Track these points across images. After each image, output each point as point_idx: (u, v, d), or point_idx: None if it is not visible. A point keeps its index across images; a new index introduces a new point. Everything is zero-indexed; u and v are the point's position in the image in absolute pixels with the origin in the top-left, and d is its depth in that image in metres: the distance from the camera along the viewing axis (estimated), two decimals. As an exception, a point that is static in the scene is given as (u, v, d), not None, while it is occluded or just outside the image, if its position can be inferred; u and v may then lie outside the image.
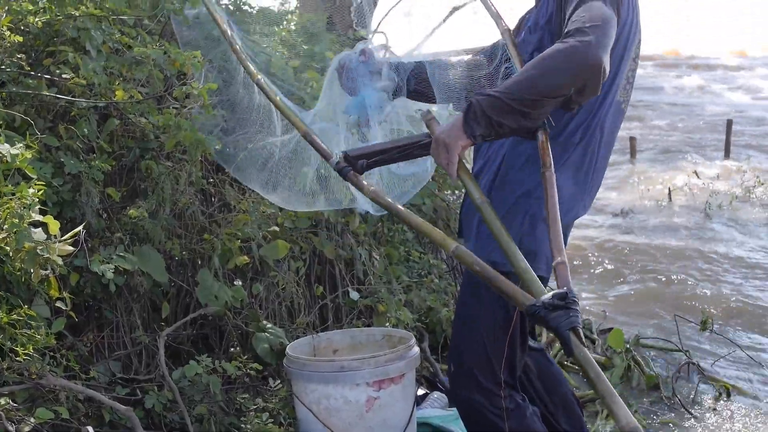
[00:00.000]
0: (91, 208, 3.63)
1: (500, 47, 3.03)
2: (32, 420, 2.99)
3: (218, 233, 3.95)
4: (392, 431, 3.53)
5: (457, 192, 5.57)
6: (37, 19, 3.64)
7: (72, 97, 3.69)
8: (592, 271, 7.56)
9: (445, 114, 3.19)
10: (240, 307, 4.02)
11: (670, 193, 10.23)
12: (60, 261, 3.05)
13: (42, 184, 3.12)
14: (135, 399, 3.53)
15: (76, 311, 3.72)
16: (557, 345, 4.86)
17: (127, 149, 3.95)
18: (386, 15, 3.28)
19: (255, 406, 3.65)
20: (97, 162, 3.67)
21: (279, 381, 3.79)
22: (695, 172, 11.30)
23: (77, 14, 3.72)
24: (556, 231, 2.51)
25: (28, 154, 3.11)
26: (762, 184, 10.28)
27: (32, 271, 3.00)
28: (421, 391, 4.32)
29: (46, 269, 3.07)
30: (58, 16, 3.68)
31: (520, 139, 2.87)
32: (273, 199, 3.47)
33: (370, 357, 3.48)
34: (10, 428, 2.94)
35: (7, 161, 3.05)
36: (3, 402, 2.98)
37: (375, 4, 3.39)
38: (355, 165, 2.78)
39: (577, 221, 3.13)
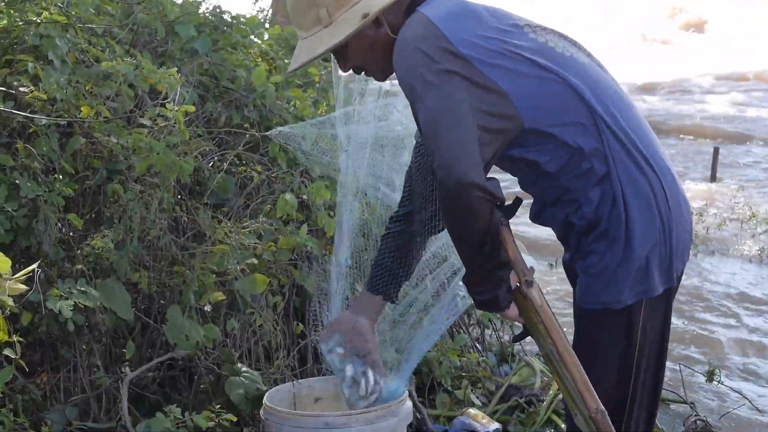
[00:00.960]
0: (49, 237, 3.26)
1: None
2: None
3: (191, 265, 3.57)
4: (381, 494, 3.17)
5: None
6: (-7, 24, 3.27)
7: (31, 112, 3.32)
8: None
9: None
10: (212, 347, 3.65)
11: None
12: (11, 301, 2.68)
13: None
14: (93, 454, 3.15)
15: (30, 349, 3.35)
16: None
17: (93, 171, 3.58)
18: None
19: (229, 461, 3.28)
20: (57, 185, 3.29)
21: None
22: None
23: (39, 20, 3.35)
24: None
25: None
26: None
27: (-23, 313, 2.62)
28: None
29: (-6, 309, 2.70)
30: (18, 21, 3.30)
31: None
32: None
33: (359, 413, 3.12)
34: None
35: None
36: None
37: None
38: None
39: None
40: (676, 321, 6.15)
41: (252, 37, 4.94)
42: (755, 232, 9.29)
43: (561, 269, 2.98)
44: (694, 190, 10.88)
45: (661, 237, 2.56)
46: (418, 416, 4.06)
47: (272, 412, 3.19)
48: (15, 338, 2.78)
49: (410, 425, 3.98)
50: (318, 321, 3.42)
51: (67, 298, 3.12)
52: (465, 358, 4.65)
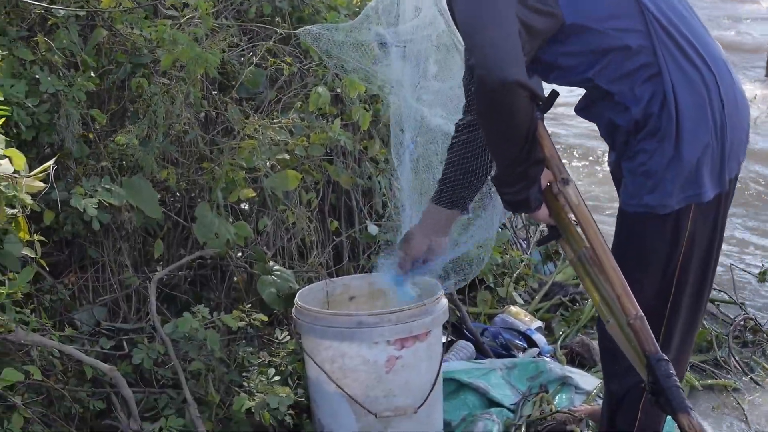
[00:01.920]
0: (72, 133, 3.15)
1: None
2: (-3, 383, 2.56)
3: (220, 161, 3.45)
4: (415, 394, 3.10)
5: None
6: None
7: (50, 3, 3.18)
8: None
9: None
10: (244, 245, 3.55)
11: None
12: (29, 199, 2.59)
13: (5, 109, 2.63)
14: (121, 354, 3.09)
15: (57, 248, 3.28)
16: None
17: (117, 65, 3.45)
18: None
19: (260, 360, 3.20)
20: (79, 80, 3.17)
21: (287, 332, 3.32)
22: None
23: None
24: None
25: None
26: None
27: (-4, 211, 2.54)
28: (444, 339, 3.88)
29: (14, 208, 2.61)
30: None
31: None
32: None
33: (391, 312, 3.02)
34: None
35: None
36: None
37: None
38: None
39: None
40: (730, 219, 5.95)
41: None
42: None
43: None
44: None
45: (713, 137, 2.41)
46: (458, 314, 3.96)
47: (303, 312, 3.11)
48: (36, 237, 2.69)
49: (449, 323, 3.90)
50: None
51: (91, 196, 3.03)
52: (508, 255, 4.52)
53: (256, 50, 3.77)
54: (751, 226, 6.28)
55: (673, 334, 2.58)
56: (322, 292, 3.38)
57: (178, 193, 3.59)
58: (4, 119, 2.66)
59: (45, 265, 2.98)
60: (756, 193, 6.98)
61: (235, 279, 3.58)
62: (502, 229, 4.86)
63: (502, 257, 4.48)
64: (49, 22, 3.24)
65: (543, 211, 2.48)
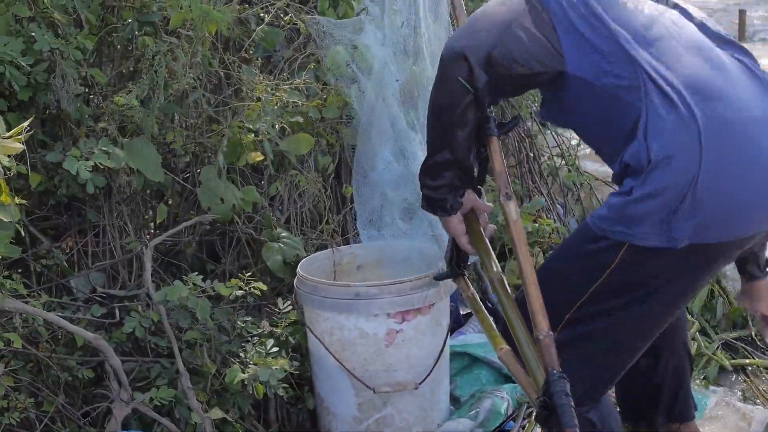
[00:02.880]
0: (68, 93, 3.04)
1: None
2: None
3: (227, 123, 3.33)
4: (417, 370, 2.96)
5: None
6: None
7: (48, -45, 3.08)
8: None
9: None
10: (252, 211, 3.43)
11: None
12: (5, 160, 2.49)
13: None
14: (116, 321, 3.00)
15: (54, 211, 3.20)
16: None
17: (124, 24, 3.34)
18: None
19: (260, 331, 3.09)
20: (78, 38, 3.07)
21: (289, 302, 3.20)
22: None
23: None
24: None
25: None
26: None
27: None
28: (465, 311, 3.74)
29: (-7, 170, 2.52)
30: None
31: None
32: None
33: (391, 283, 2.89)
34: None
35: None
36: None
37: None
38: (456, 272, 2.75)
39: None
40: None
41: None
42: None
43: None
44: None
45: (674, 186, 2.18)
46: (481, 285, 3.79)
47: (304, 281, 2.99)
48: (16, 200, 2.60)
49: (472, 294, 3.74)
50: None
51: (87, 159, 2.94)
52: (537, 224, 4.33)
53: (270, 9, 3.63)
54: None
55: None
56: (329, 260, 3.26)
57: (188, 157, 3.47)
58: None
59: (38, 230, 2.91)
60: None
61: (242, 248, 3.46)
62: (536, 195, 4.69)
63: (532, 226, 4.30)
64: (49, -22, 3.14)
65: (457, 221, 2.49)
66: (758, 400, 3.49)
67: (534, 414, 2.49)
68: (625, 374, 2.54)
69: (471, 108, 2.32)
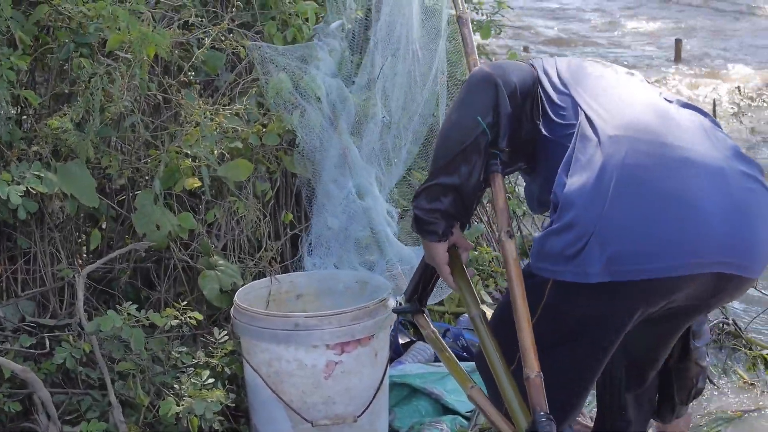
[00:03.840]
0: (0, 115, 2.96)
1: None
2: None
3: (165, 148, 3.26)
4: (356, 402, 2.91)
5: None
6: None
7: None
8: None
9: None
10: (189, 239, 3.36)
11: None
12: None
13: None
14: (42, 352, 2.90)
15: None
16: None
17: (61, 44, 3.25)
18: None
19: (195, 361, 3.01)
20: (11, 58, 2.98)
21: (226, 332, 3.13)
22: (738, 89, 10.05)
23: None
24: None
25: None
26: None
27: None
28: (404, 340, 3.70)
29: None
30: None
31: None
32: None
33: (331, 314, 2.84)
34: None
35: None
36: None
37: None
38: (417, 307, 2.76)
39: None
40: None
41: None
42: None
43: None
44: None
45: (578, 218, 2.20)
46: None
47: (240, 311, 2.93)
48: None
49: (410, 323, 3.71)
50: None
51: (19, 183, 2.85)
52: (477, 252, 4.31)
53: (212, 32, 3.56)
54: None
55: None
56: (267, 289, 3.19)
57: (123, 182, 3.39)
58: None
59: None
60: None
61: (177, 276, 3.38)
62: (477, 222, 4.68)
63: (471, 253, 4.27)
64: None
65: (443, 250, 2.47)
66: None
67: None
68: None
69: (486, 138, 2.36)
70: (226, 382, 3.06)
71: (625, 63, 10.10)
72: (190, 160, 3.28)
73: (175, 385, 2.89)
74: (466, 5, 2.78)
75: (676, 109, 2.38)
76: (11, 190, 2.82)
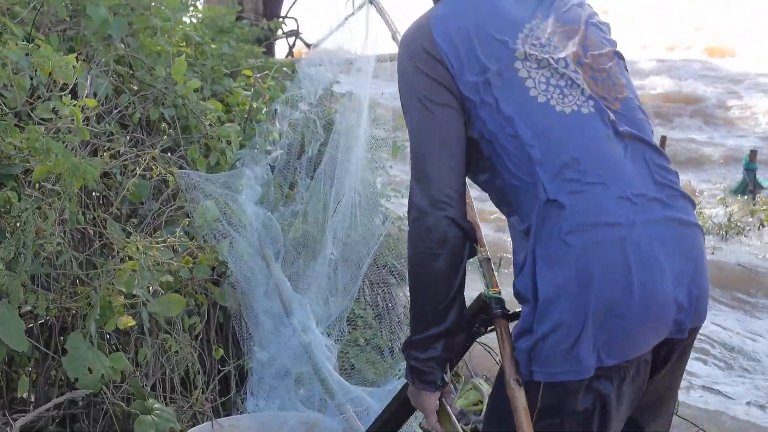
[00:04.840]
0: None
1: None
2: None
3: (96, 286, 3.10)
4: None
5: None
6: None
7: None
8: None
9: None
10: (121, 380, 3.18)
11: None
12: None
13: None
14: None
15: None
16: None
17: (-19, 175, 3.08)
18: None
19: None
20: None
21: (167, 484, 2.96)
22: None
23: None
24: None
25: None
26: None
27: None
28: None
29: None
30: None
31: None
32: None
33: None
34: None
35: None
36: None
37: None
38: None
39: None
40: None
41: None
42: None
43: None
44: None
45: (566, 318, 2.15)
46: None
47: (187, 464, 2.76)
48: None
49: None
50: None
51: (-57, 329, 2.65)
52: (402, 379, 4.22)
53: (140, 160, 3.44)
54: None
55: None
56: (209, 435, 3.04)
57: (47, 321, 3.20)
58: None
59: None
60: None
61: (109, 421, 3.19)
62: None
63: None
64: None
65: (435, 399, 2.35)
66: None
67: None
68: None
69: (459, 251, 2.23)
70: None
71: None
72: (123, 296, 3.13)
73: None
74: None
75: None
76: (-63, 339, 2.61)
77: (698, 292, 2.25)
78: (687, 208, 2.29)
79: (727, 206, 9.98)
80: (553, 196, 2.15)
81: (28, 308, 3.04)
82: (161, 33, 4.11)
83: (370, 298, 4.15)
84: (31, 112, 3.08)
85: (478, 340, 2.48)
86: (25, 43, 3.22)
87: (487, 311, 2.35)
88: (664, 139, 10.80)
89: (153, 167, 3.46)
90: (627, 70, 2.45)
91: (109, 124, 3.51)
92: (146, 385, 3.27)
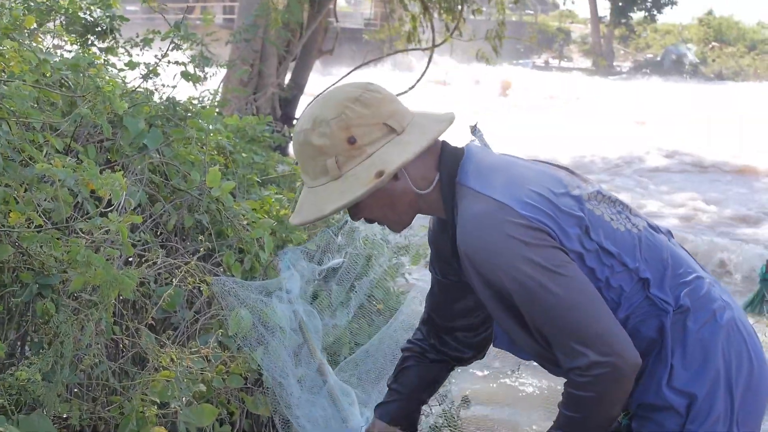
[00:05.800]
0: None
1: None
2: None
3: (130, 396, 3.12)
4: None
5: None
6: None
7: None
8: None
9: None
10: (153, 493, 3.18)
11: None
12: None
13: None
14: None
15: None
16: None
17: (22, 285, 3.13)
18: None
19: None
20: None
21: None
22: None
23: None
24: None
25: None
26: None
27: None
28: None
29: None
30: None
31: None
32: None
33: None
34: None
35: None
36: None
37: None
38: None
39: None
40: None
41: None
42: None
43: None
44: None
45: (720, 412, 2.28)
46: None
47: None
48: None
49: None
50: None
51: (-22, 442, 2.68)
52: None
53: (176, 270, 3.50)
54: None
55: None
56: None
57: (81, 430, 3.22)
58: None
59: None
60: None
61: None
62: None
63: None
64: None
65: None
66: None
67: None
68: None
69: None
70: None
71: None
72: (156, 407, 3.15)
73: None
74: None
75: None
76: (-27, 451, 2.64)
77: None
78: None
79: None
80: (673, 301, 2.28)
81: (62, 416, 3.06)
82: (195, 143, 4.21)
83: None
84: (74, 225, 3.15)
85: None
86: (64, 154, 3.32)
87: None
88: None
89: (187, 276, 3.51)
90: None
91: (144, 233, 3.58)
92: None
